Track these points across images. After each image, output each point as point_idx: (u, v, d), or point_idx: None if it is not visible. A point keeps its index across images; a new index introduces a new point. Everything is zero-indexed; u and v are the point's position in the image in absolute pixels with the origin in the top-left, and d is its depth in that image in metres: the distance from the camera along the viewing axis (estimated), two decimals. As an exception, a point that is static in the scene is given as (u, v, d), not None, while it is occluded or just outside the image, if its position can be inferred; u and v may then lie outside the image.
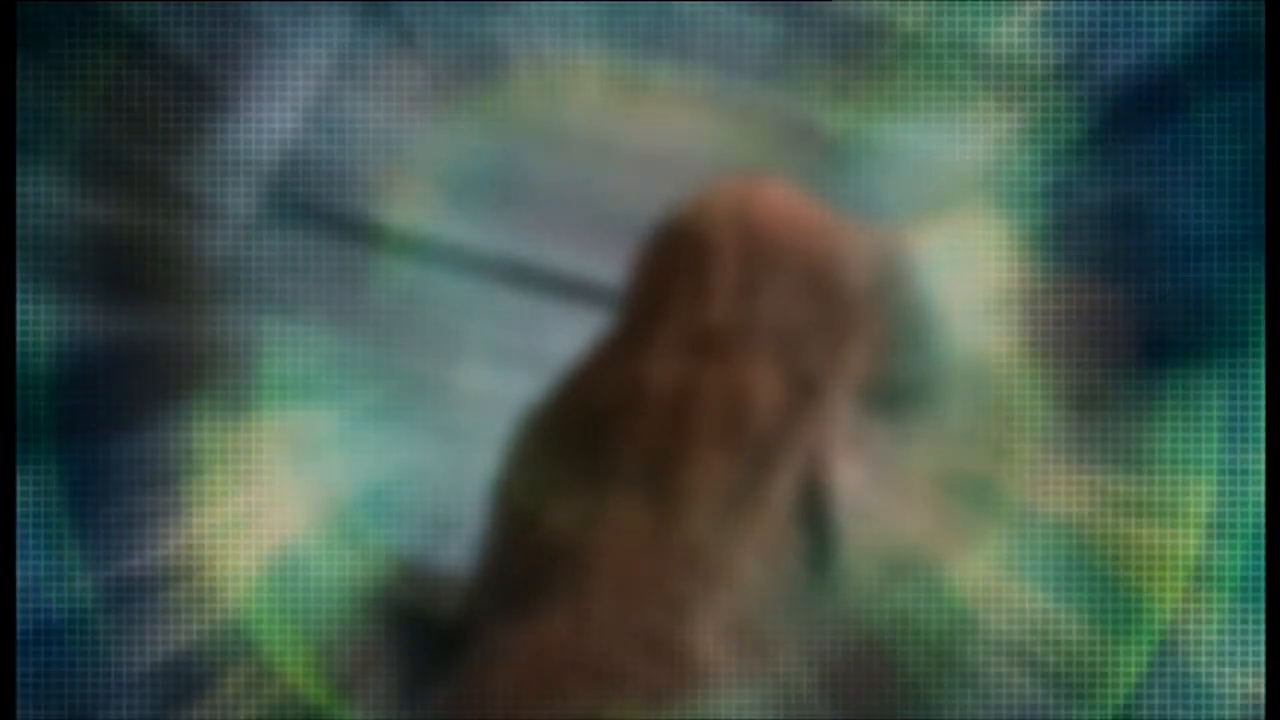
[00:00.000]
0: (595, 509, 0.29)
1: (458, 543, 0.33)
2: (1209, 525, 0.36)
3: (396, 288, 0.42)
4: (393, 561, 0.40)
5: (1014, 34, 0.39)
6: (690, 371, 0.29)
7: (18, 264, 0.39)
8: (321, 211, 0.42)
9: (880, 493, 0.29)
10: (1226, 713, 0.36)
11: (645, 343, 0.30)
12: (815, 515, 0.28)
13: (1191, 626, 0.36)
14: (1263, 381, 0.37)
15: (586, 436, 0.30)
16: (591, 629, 0.28)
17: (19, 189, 0.39)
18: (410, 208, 0.42)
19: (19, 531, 0.39)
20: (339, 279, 0.42)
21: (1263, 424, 0.37)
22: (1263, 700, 0.36)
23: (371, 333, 0.42)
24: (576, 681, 0.27)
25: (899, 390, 0.29)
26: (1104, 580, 0.35)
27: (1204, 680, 0.36)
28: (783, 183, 0.31)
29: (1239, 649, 0.37)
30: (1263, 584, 0.36)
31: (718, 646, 0.27)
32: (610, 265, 0.38)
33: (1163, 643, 0.36)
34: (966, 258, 0.30)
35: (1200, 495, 0.36)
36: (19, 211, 0.39)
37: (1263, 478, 0.36)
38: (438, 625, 0.36)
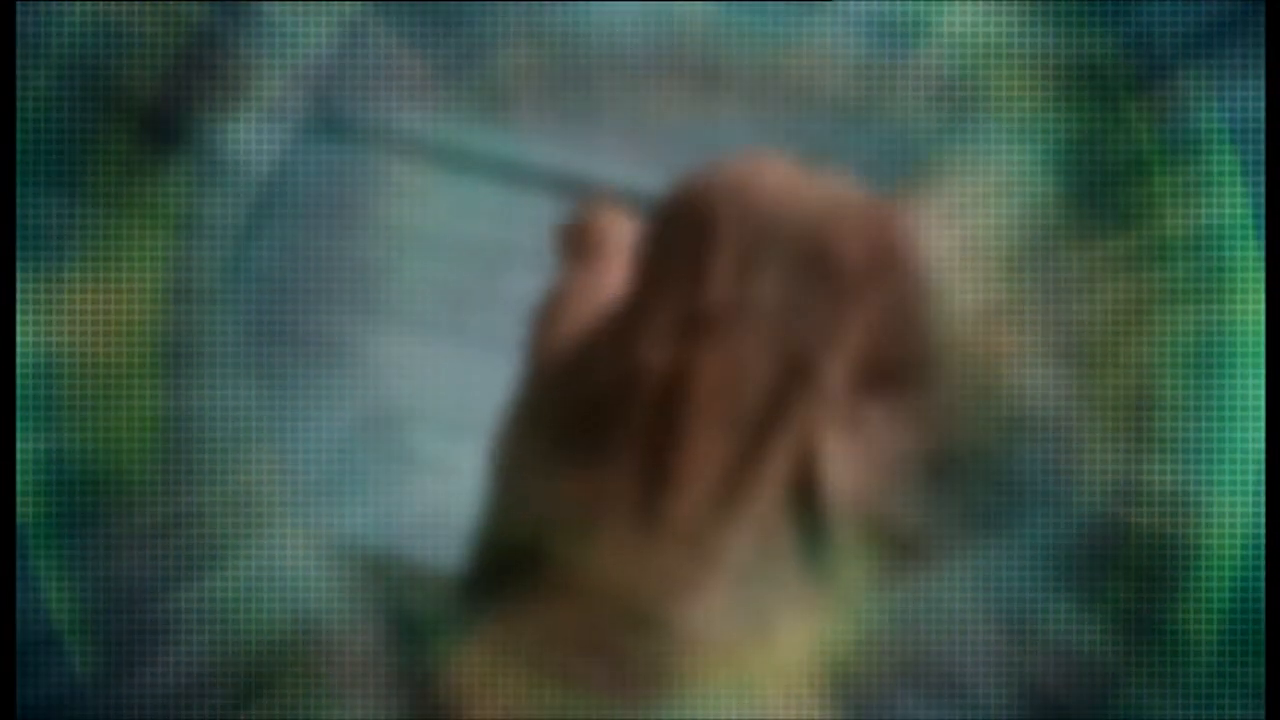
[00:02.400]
0: (589, 490, 0.29)
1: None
2: (1209, 514, 0.36)
3: (441, 199, 0.42)
4: (386, 560, 0.40)
5: (1013, 30, 0.39)
6: (685, 353, 0.29)
7: (18, 261, 0.39)
8: (362, 126, 0.42)
9: (874, 475, 0.29)
10: (1227, 709, 0.37)
11: (642, 325, 0.30)
12: (807, 498, 0.28)
13: (1192, 619, 0.36)
14: (1263, 379, 0.37)
15: (582, 417, 0.30)
16: (590, 609, 0.28)
17: (19, 188, 0.39)
18: (454, 120, 0.42)
19: (19, 534, 0.39)
20: (382, 192, 0.42)
21: (1263, 416, 0.37)
22: (1263, 697, 0.36)
23: (418, 245, 0.42)
24: (584, 663, 0.27)
25: (895, 370, 0.29)
26: (1103, 571, 0.36)
27: (1204, 675, 0.36)
28: (783, 158, 0.31)
29: (1239, 644, 0.37)
30: (1263, 580, 0.36)
31: (712, 625, 0.27)
32: (654, 175, 0.38)
33: (1165, 638, 0.36)
34: (965, 236, 0.30)
35: (1202, 486, 0.36)
36: (19, 213, 0.39)
37: (1263, 472, 0.36)
38: (431, 621, 0.36)
